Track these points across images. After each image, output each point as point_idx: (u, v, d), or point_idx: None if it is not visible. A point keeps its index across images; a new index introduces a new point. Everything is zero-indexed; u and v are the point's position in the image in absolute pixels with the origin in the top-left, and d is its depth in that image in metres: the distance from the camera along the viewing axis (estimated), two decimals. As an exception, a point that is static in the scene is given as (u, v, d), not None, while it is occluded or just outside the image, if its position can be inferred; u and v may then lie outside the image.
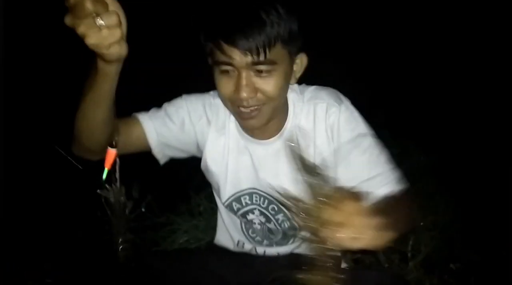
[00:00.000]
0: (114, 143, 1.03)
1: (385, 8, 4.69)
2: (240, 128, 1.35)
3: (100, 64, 0.96)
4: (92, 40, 0.85)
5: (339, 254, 0.83)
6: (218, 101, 1.34)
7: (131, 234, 1.08)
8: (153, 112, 1.36)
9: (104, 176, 1.01)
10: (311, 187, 0.82)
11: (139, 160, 1.36)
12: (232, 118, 1.34)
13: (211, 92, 1.38)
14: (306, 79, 1.32)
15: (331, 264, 0.83)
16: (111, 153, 1.03)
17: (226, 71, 1.15)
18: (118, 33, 0.86)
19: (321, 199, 0.80)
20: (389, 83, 4.01)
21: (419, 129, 3.17)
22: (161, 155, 1.37)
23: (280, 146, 1.32)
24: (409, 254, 2.04)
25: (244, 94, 1.13)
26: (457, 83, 3.92)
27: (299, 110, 1.31)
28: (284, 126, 1.31)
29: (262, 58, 1.10)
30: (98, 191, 1.02)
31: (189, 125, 1.36)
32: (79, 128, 1.14)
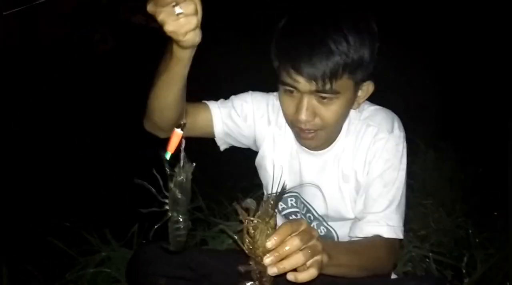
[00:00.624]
0: (181, 125, 1.03)
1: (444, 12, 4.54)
2: (297, 138, 1.36)
3: (175, 49, 1.01)
4: (170, 27, 0.90)
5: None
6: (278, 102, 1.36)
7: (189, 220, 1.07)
8: (221, 102, 1.41)
9: (167, 157, 1.00)
10: (259, 215, 0.92)
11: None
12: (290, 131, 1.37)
13: (276, 93, 1.40)
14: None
15: (264, 280, 0.95)
16: (177, 134, 1.02)
17: (290, 91, 1.19)
18: (194, 21, 0.90)
19: (266, 227, 0.91)
20: (442, 91, 3.90)
21: (476, 139, 3.04)
22: (222, 142, 1.44)
23: (328, 158, 1.34)
24: (463, 271, 1.96)
25: (303, 117, 1.17)
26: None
27: (353, 128, 1.32)
28: (336, 140, 1.33)
29: (326, 87, 1.12)
30: (167, 169, 1.02)
31: (251, 121, 1.41)
32: (151, 106, 1.22)
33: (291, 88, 1.17)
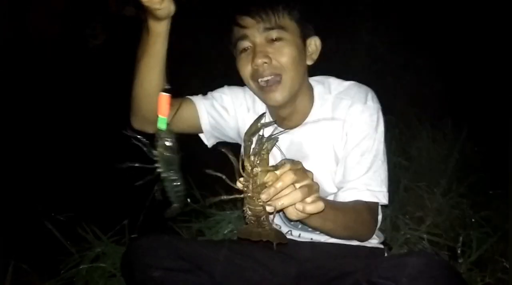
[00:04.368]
0: (165, 89, 1.05)
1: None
2: (271, 118, 1.40)
3: (152, 25, 1.11)
4: None
5: (267, 212, 0.96)
6: None
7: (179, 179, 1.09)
8: (201, 96, 1.45)
9: (160, 124, 1.02)
10: (256, 153, 0.94)
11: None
12: (265, 108, 1.40)
13: None
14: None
15: (262, 220, 0.98)
16: (163, 98, 1.02)
17: (244, 50, 1.27)
18: None
19: (263, 164, 0.93)
20: (438, 73, 3.88)
21: (473, 119, 3.03)
22: (209, 135, 1.47)
23: (304, 134, 1.37)
24: (459, 251, 1.97)
25: (259, 60, 1.23)
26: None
27: (324, 102, 1.36)
28: (308, 116, 1.36)
29: (272, 23, 1.24)
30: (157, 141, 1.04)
31: (232, 111, 1.44)
32: (136, 96, 1.27)
33: (243, 42, 1.26)
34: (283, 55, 1.25)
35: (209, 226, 2.27)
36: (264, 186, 0.92)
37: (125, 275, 1.37)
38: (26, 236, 2.23)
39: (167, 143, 1.04)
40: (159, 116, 1.02)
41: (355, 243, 1.38)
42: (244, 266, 1.33)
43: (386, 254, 1.45)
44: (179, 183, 1.09)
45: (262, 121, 1.02)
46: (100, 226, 2.08)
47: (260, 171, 0.93)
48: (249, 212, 0.98)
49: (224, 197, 1.01)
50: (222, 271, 1.31)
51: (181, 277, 1.27)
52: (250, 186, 0.94)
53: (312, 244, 1.42)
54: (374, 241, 1.42)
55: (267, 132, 1.37)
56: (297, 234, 1.44)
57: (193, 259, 1.31)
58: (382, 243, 1.47)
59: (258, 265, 1.34)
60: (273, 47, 1.25)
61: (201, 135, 1.48)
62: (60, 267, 1.91)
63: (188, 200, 2.30)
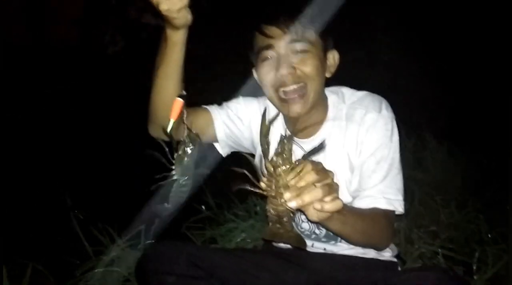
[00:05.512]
0: (181, 95, 1.10)
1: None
2: (285, 127, 1.42)
3: (169, 34, 1.14)
4: (165, 6, 1.03)
5: (290, 213, 1.00)
6: (268, 102, 1.42)
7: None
8: (216, 106, 1.48)
9: (170, 127, 1.07)
10: (278, 155, 0.97)
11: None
12: (280, 117, 1.41)
13: (264, 97, 1.47)
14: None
15: (284, 220, 1.00)
16: (178, 102, 1.09)
17: (267, 58, 1.29)
18: None
19: (285, 165, 0.96)
20: (454, 87, 3.86)
21: (489, 134, 3.00)
22: (224, 144, 1.49)
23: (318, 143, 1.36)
24: (474, 267, 1.94)
25: (284, 70, 1.25)
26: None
27: (339, 112, 1.37)
28: (323, 126, 1.38)
29: (299, 35, 1.26)
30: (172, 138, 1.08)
31: (247, 121, 1.47)
32: (154, 105, 1.29)
33: (267, 52, 1.28)
34: (307, 66, 1.27)
35: (222, 234, 2.28)
36: (287, 186, 0.96)
37: (139, 280, 1.38)
38: (43, 238, 2.27)
39: (188, 150, 1.07)
40: (171, 118, 1.08)
41: (368, 255, 1.37)
42: (256, 275, 1.34)
43: (399, 268, 1.44)
44: (186, 190, 1.12)
45: (268, 117, 1.05)
46: (116, 230, 2.11)
47: (283, 171, 0.96)
48: (272, 211, 1.01)
49: (249, 188, 1.02)
50: (234, 279, 1.32)
51: (193, 284, 1.28)
52: (273, 186, 0.97)
53: (325, 255, 1.42)
54: (387, 254, 1.41)
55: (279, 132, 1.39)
56: (310, 244, 1.44)
57: (206, 266, 1.32)
58: (396, 256, 1.46)
59: (270, 274, 1.34)
60: (297, 57, 1.27)
61: (216, 144, 1.50)
62: (75, 271, 1.94)
63: (203, 207, 2.34)
